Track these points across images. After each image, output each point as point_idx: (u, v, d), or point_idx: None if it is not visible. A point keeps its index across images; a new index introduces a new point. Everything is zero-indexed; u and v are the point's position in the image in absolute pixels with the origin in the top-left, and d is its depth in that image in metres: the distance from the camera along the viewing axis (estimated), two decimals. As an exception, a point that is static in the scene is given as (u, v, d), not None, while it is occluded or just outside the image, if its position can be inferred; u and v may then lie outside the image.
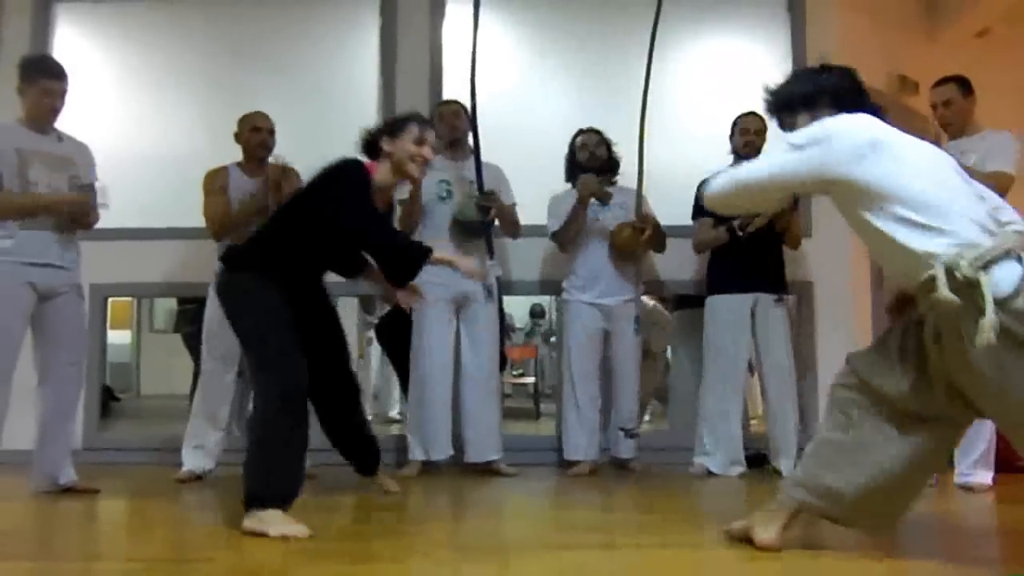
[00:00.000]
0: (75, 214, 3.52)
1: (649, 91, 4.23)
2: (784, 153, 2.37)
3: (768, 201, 2.71)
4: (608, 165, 4.42)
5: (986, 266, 2.07)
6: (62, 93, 3.55)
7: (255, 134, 4.14)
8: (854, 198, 2.27)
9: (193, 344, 5.89)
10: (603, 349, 4.40)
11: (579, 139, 4.44)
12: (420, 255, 2.97)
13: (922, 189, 2.20)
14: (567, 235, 4.37)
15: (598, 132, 4.44)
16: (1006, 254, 2.10)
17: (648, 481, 4.09)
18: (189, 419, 4.13)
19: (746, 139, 4.29)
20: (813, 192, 2.43)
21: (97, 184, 3.61)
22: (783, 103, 2.55)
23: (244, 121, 4.18)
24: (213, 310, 4.12)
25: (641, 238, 4.27)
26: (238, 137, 4.18)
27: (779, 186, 2.43)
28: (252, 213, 3.97)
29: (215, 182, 4.10)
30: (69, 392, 3.56)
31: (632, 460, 4.40)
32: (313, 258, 3.11)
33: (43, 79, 3.52)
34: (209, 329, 4.11)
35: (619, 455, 4.39)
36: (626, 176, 4.42)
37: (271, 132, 4.17)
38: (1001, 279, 2.06)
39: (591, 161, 4.38)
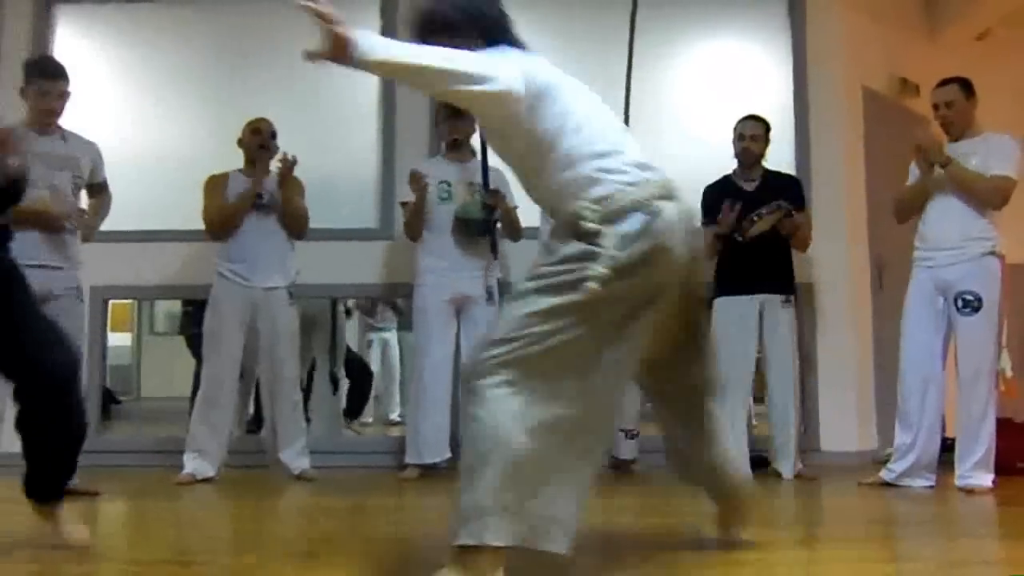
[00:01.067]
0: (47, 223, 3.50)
1: (634, 92, 4.19)
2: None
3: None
4: None
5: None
6: (59, 94, 3.56)
7: (254, 136, 4.18)
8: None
9: (197, 346, 5.92)
10: None
11: None
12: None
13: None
14: None
15: None
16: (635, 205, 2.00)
17: (649, 483, 4.09)
18: (190, 425, 4.12)
19: (743, 145, 4.29)
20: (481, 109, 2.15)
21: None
22: (428, 25, 2.18)
23: (246, 125, 4.23)
24: (213, 312, 4.13)
25: None
26: (240, 143, 4.21)
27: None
28: (245, 208, 4.07)
29: (213, 185, 4.16)
30: None
31: (633, 461, 4.39)
32: None
33: (40, 80, 3.53)
34: (210, 332, 4.12)
35: (619, 456, 4.37)
36: None
37: (273, 135, 4.21)
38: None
39: None
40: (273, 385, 4.14)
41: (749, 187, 4.28)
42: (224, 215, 4.10)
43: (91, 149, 3.75)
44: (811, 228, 4.36)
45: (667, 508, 3.47)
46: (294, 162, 4.08)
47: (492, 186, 4.17)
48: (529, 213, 4.41)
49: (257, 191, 4.09)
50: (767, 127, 4.33)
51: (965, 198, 3.77)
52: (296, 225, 4.20)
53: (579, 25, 4.93)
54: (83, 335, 3.70)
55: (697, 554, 2.54)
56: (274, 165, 4.15)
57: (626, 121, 4.16)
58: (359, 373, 6.22)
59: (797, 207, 4.21)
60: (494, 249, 4.26)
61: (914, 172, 3.97)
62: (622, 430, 4.35)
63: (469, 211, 4.17)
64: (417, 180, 4.13)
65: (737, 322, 4.22)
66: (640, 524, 3.18)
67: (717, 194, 4.32)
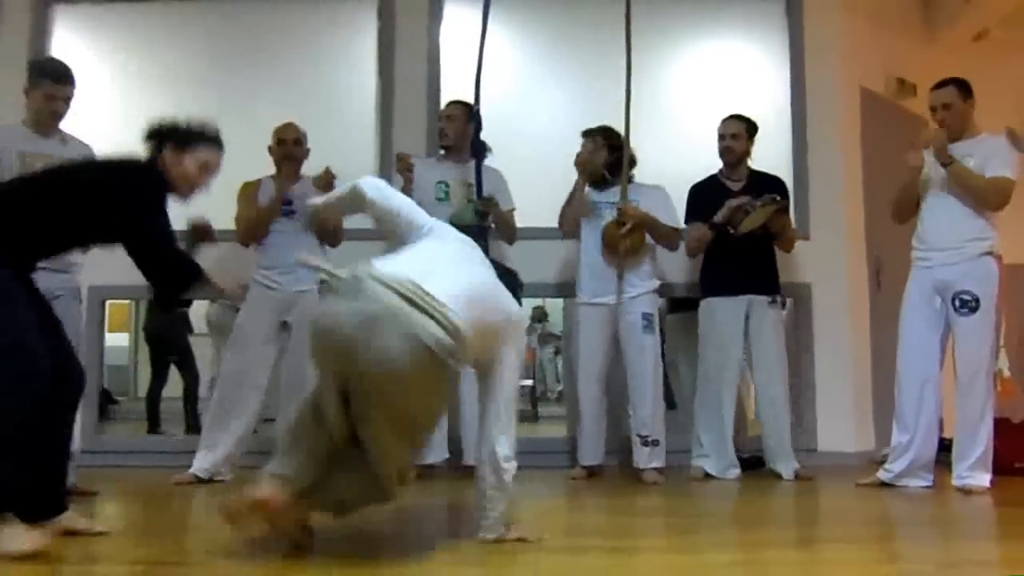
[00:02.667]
0: None
1: (638, 87, 4.18)
2: None
3: None
4: (610, 168, 4.29)
5: None
6: (66, 98, 3.57)
7: (278, 147, 4.23)
8: None
9: (154, 345, 6.01)
10: (614, 351, 4.30)
11: (582, 142, 4.37)
12: (191, 273, 2.80)
13: None
14: (565, 215, 4.31)
15: (599, 133, 4.34)
16: None
17: (647, 484, 4.08)
18: (205, 423, 4.10)
19: (724, 144, 4.31)
20: None
21: None
22: None
23: (273, 135, 4.26)
24: (247, 313, 4.12)
25: (619, 231, 4.13)
26: (270, 150, 4.27)
27: None
28: (268, 217, 4.13)
29: (245, 192, 4.20)
30: None
31: (647, 470, 4.11)
32: (58, 241, 2.72)
33: (47, 83, 3.53)
34: (240, 329, 4.12)
35: (637, 464, 4.15)
36: (643, 175, 4.38)
37: (296, 142, 4.24)
38: None
39: (592, 171, 4.31)
40: (299, 384, 4.11)
41: (735, 187, 4.30)
42: (249, 223, 4.16)
43: (87, 151, 3.74)
44: (793, 230, 4.37)
45: (664, 509, 3.47)
46: (334, 177, 4.10)
47: (487, 190, 4.16)
48: (527, 213, 4.43)
49: (282, 198, 4.12)
50: (750, 126, 4.32)
51: (965, 198, 3.77)
52: (332, 237, 4.24)
53: (577, 23, 4.94)
54: (80, 335, 3.69)
55: (695, 555, 2.55)
56: (307, 171, 4.21)
57: (627, 121, 4.16)
58: None
59: (786, 209, 4.22)
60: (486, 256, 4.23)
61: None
62: (638, 436, 4.17)
63: (462, 218, 4.15)
64: (403, 161, 4.13)
65: (724, 323, 4.23)
66: (637, 524, 3.19)
67: (703, 193, 4.33)
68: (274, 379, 4.17)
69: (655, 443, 4.14)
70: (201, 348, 6.21)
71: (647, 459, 4.13)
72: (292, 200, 4.15)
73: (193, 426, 5.52)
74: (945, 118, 3.86)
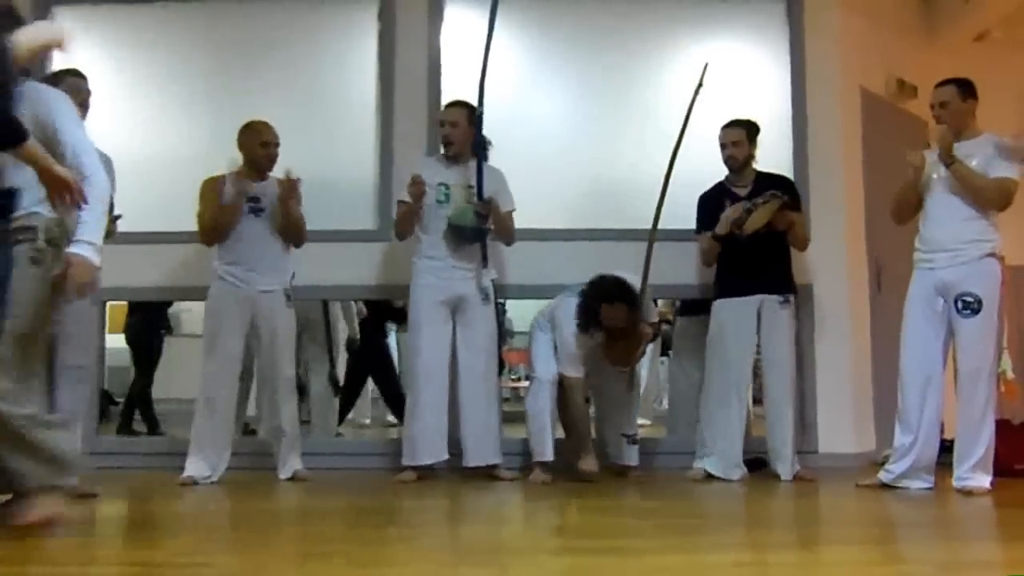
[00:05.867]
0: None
1: (632, 94, 4.20)
2: None
3: None
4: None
5: None
6: (88, 91, 3.62)
7: (264, 149, 4.18)
8: None
9: (139, 353, 5.99)
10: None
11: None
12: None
13: None
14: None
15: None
16: None
17: (647, 485, 4.08)
18: (192, 426, 4.10)
19: (726, 153, 4.31)
20: None
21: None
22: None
23: (250, 134, 4.19)
24: (211, 314, 4.12)
25: (636, 352, 4.14)
26: (242, 147, 4.20)
27: None
28: (237, 210, 4.09)
29: (208, 189, 4.15)
30: (77, 395, 3.53)
31: (634, 467, 4.31)
32: None
33: (71, 78, 3.56)
34: (209, 333, 4.11)
35: (621, 461, 4.32)
36: (643, 175, 4.38)
37: (277, 146, 4.22)
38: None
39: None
40: (270, 386, 4.15)
41: (742, 192, 4.28)
42: (214, 221, 4.11)
43: None
44: (805, 227, 4.37)
45: (663, 510, 3.47)
46: (298, 181, 4.09)
47: (489, 190, 4.16)
48: (526, 213, 4.42)
49: (249, 192, 4.10)
50: (750, 130, 4.31)
51: (967, 199, 3.76)
52: (297, 237, 4.24)
53: (579, 23, 4.93)
54: (91, 335, 3.68)
55: (693, 556, 2.54)
56: (279, 173, 4.17)
57: (678, 145, 4.08)
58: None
59: (791, 205, 4.21)
60: (484, 257, 4.24)
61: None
62: (623, 435, 4.31)
63: (462, 219, 4.16)
64: (417, 185, 4.11)
65: (736, 323, 4.23)
66: (636, 525, 3.18)
67: (711, 201, 4.33)
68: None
69: (637, 441, 4.35)
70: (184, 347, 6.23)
71: (634, 457, 4.33)
72: (260, 198, 4.14)
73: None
74: (942, 116, 3.87)
